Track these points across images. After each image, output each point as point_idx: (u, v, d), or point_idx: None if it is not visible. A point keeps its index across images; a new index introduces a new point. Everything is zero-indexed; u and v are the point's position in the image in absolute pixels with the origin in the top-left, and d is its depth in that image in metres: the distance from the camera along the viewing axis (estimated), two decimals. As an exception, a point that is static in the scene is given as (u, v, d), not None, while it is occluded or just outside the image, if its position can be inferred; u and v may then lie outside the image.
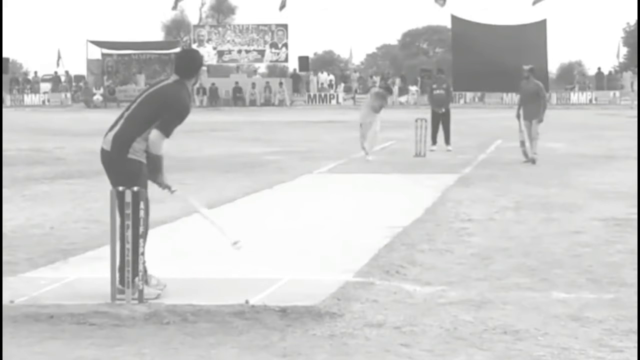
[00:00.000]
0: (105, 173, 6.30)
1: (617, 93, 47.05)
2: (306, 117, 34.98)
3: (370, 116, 17.42)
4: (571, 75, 60.58)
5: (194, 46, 51.89)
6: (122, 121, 6.21)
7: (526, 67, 16.72)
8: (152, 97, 6.29)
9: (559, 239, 8.52)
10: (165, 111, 6.14)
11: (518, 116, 16.37)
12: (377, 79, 53.39)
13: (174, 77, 6.33)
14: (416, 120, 18.23)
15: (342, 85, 51.93)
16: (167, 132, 6.17)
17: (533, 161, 15.79)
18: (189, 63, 6.42)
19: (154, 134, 6.11)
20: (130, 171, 6.10)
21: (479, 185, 12.85)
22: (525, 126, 16.19)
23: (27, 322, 5.61)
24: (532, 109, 16.11)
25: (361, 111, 18.23)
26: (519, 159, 16.08)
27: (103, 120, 34.76)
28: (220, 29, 55.07)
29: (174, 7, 55.47)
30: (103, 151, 6.22)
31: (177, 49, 54.19)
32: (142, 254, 5.96)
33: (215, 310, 5.70)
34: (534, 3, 46.33)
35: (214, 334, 5.40)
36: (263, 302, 5.84)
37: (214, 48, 51.93)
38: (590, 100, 46.54)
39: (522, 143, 16.30)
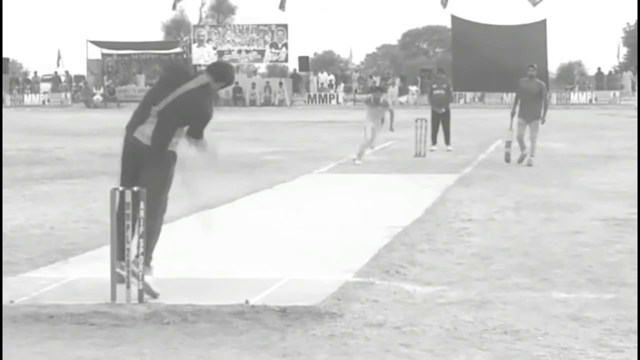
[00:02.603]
0: (129, 162, 6.34)
1: (617, 93, 47.03)
2: (306, 117, 34.98)
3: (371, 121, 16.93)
4: (571, 75, 60.57)
5: (194, 46, 51.92)
6: (157, 118, 6.28)
7: (535, 66, 16.46)
8: (183, 106, 6.36)
9: (559, 239, 8.52)
10: (193, 120, 6.39)
11: (513, 114, 16.06)
12: (377, 79, 53.41)
13: (203, 79, 6.41)
14: (416, 120, 18.22)
15: (342, 85, 51.91)
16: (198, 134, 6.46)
17: (529, 163, 15.70)
18: (228, 74, 6.62)
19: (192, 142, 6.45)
20: (167, 160, 6.30)
21: (479, 185, 12.85)
22: (518, 124, 15.95)
23: (27, 322, 5.61)
24: (533, 109, 15.88)
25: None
26: (518, 159, 16.00)
27: (103, 120, 34.50)
28: (220, 29, 55.05)
29: (174, 8, 55.43)
30: (140, 143, 6.28)
31: (177, 49, 54.38)
32: (142, 254, 5.95)
33: (215, 310, 5.70)
34: (534, 4, 46.24)
35: (214, 334, 5.40)
36: (263, 302, 5.84)
37: (214, 48, 51.90)
38: (590, 100, 46.51)
39: (509, 143, 16.00)
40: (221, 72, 6.60)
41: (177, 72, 6.64)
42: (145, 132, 6.29)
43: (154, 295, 5.99)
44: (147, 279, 6.02)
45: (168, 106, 6.31)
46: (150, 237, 6.22)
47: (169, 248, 7.72)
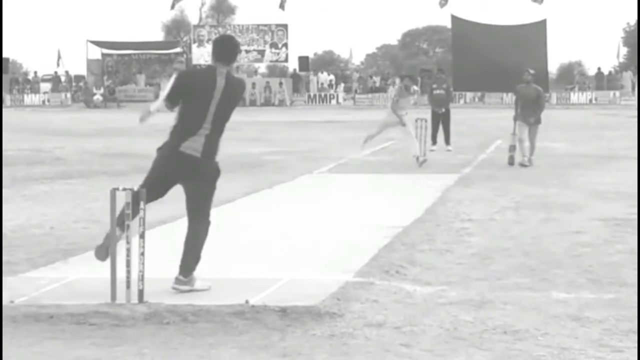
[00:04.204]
0: (170, 174, 6.28)
1: (617, 93, 47.01)
2: (306, 117, 34.97)
3: (392, 116, 16.41)
4: (571, 75, 60.53)
5: (194, 46, 51.90)
6: (209, 125, 6.22)
7: (531, 71, 16.32)
8: (235, 97, 6.41)
9: (559, 239, 8.52)
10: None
11: (515, 118, 16.02)
12: (377, 79, 53.40)
13: (221, 72, 6.31)
14: (416, 120, 18.17)
15: (342, 85, 51.90)
16: None
17: (529, 162, 15.66)
18: (234, 52, 6.51)
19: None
20: (216, 172, 6.32)
21: (479, 185, 12.85)
22: (519, 126, 15.89)
23: (27, 322, 5.61)
24: (533, 114, 15.85)
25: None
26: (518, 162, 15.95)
27: (103, 120, 34.33)
28: (220, 29, 55.02)
29: (172, 7, 55.38)
30: (190, 157, 6.20)
31: (177, 49, 54.33)
32: (142, 254, 5.96)
33: (215, 310, 5.71)
34: (540, 2, 46.06)
35: (214, 334, 5.40)
36: (263, 302, 5.84)
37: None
38: (590, 100, 46.48)
39: (512, 148, 15.91)
40: (228, 55, 6.43)
41: (199, 80, 6.36)
42: (194, 146, 6.20)
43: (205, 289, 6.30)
44: (197, 285, 6.31)
45: (215, 117, 6.27)
46: (194, 249, 6.39)
47: (169, 248, 7.73)
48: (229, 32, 53.18)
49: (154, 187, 6.24)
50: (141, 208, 5.96)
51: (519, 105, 16.03)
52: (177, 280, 6.29)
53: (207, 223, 6.42)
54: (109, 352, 5.09)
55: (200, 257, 6.43)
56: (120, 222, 6.12)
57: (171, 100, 6.37)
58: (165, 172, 6.30)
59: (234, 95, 6.40)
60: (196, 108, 6.24)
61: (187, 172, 6.25)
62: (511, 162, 15.87)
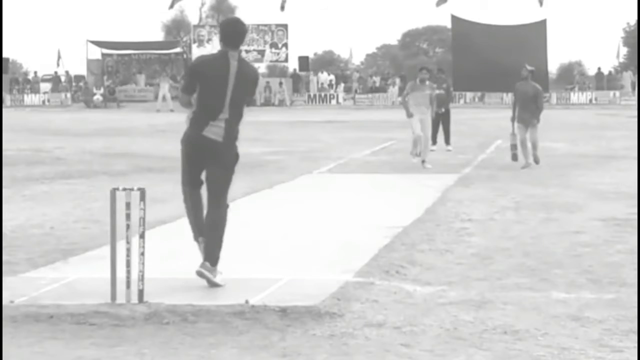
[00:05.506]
0: (197, 159, 6.46)
1: (617, 93, 46.98)
2: (306, 117, 34.96)
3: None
4: (571, 75, 60.49)
5: (194, 46, 51.88)
6: (228, 110, 6.37)
7: (529, 68, 16.03)
8: (249, 82, 6.52)
9: (559, 239, 8.52)
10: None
11: (513, 119, 15.68)
12: (377, 79, 53.40)
13: (234, 55, 6.39)
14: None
15: (342, 85, 51.89)
16: None
17: (535, 161, 15.58)
18: (240, 35, 6.55)
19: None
20: (235, 157, 6.59)
21: (479, 185, 12.85)
22: (518, 128, 15.64)
23: (27, 322, 5.61)
24: (531, 112, 15.56)
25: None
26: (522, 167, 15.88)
27: (103, 120, 34.27)
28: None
29: (171, 6, 55.31)
30: (212, 142, 6.37)
31: (177, 49, 54.29)
32: (142, 254, 5.96)
33: (215, 310, 5.71)
34: (541, 4, 46.06)
35: (214, 334, 5.40)
36: (263, 302, 5.84)
37: (214, 48, 51.84)
38: (590, 100, 46.43)
39: (513, 147, 15.69)
40: (238, 39, 6.49)
41: (213, 66, 6.43)
42: (215, 131, 6.37)
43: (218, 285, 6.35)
44: (217, 278, 6.36)
45: (232, 101, 6.37)
46: (216, 236, 6.43)
47: (169, 248, 7.74)
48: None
49: (191, 175, 6.47)
50: (141, 208, 5.96)
51: (517, 104, 15.78)
52: (204, 265, 6.38)
53: (225, 207, 6.54)
54: (109, 352, 5.09)
55: (222, 243, 6.49)
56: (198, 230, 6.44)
57: (187, 91, 6.51)
58: (192, 158, 6.47)
59: (248, 80, 6.50)
60: (214, 93, 6.35)
61: (210, 155, 6.40)
62: (514, 158, 15.63)
